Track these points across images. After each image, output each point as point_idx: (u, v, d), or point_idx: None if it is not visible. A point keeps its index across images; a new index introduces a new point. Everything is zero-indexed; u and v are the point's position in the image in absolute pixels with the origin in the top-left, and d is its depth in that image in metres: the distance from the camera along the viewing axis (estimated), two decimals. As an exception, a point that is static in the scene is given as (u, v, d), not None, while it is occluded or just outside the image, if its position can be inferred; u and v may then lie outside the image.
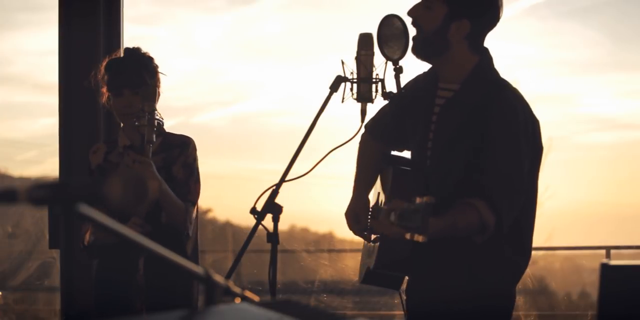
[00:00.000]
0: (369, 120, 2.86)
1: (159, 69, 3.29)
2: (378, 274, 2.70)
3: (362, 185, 2.84)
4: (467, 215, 2.39)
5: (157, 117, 3.05)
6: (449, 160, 2.55)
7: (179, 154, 3.20)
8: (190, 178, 3.20)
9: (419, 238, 2.11)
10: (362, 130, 2.74)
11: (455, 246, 2.52)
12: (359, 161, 2.90)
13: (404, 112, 2.74)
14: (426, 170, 2.61)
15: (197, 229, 3.32)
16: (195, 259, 3.28)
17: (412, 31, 2.64)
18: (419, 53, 2.63)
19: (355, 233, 2.77)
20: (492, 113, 2.49)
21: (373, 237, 2.74)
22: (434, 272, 2.59)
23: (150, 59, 3.28)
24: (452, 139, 2.56)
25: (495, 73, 2.64)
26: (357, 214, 2.74)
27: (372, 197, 2.87)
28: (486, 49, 2.64)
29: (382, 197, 2.76)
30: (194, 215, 3.20)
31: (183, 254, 3.18)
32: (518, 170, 2.50)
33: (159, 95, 3.26)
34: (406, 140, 2.80)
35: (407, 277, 2.77)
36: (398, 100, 2.68)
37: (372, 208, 2.82)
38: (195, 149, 3.25)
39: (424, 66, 2.74)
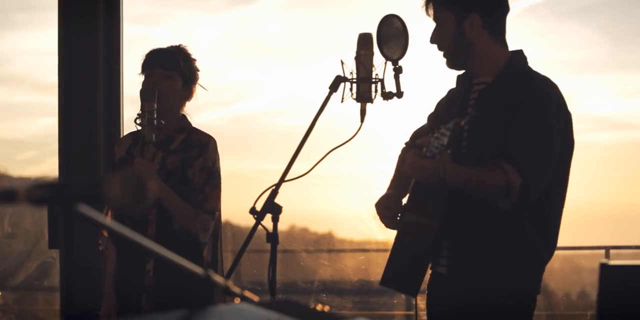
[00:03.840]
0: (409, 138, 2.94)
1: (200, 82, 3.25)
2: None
3: (396, 187, 2.83)
4: (494, 173, 2.41)
5: (155, 118, 3.02)
6: (485, 148, 2.53)
7: (197, 156, 3.13)
8: (207, 183, 3.11)
9: (444, 159, 2.21)
10: (362, 130, 2.72)
11: (479, 236, 2.53)
12: (397, 168, 2.91)
13: (441, 116, 2.74)
14: (463, 160, 2.60)
15: (221, 237, 3.24)
16: (214, 266, 3.18)
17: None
18: (454, 64, 2.67)
19: (383, 220, 2.74)
20: (526, 94, 2.51)
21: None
22: (458, 268, 2.58)
23: (192, 57, 3.24)
24: (487, 125, 2.55)
25: (529, 68, 2.64)
26: (386, 204, 2.72)
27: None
28: (520, 50, 2.67)
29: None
30: (211, 222, 3.11)
31: (199, 261, 3.09)
32: (548, 142, 2.50)
33: (191, 96, 3.25)
34: None
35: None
36: (435, 113, 2.76)
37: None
38: (215, 150, 3.17)
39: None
